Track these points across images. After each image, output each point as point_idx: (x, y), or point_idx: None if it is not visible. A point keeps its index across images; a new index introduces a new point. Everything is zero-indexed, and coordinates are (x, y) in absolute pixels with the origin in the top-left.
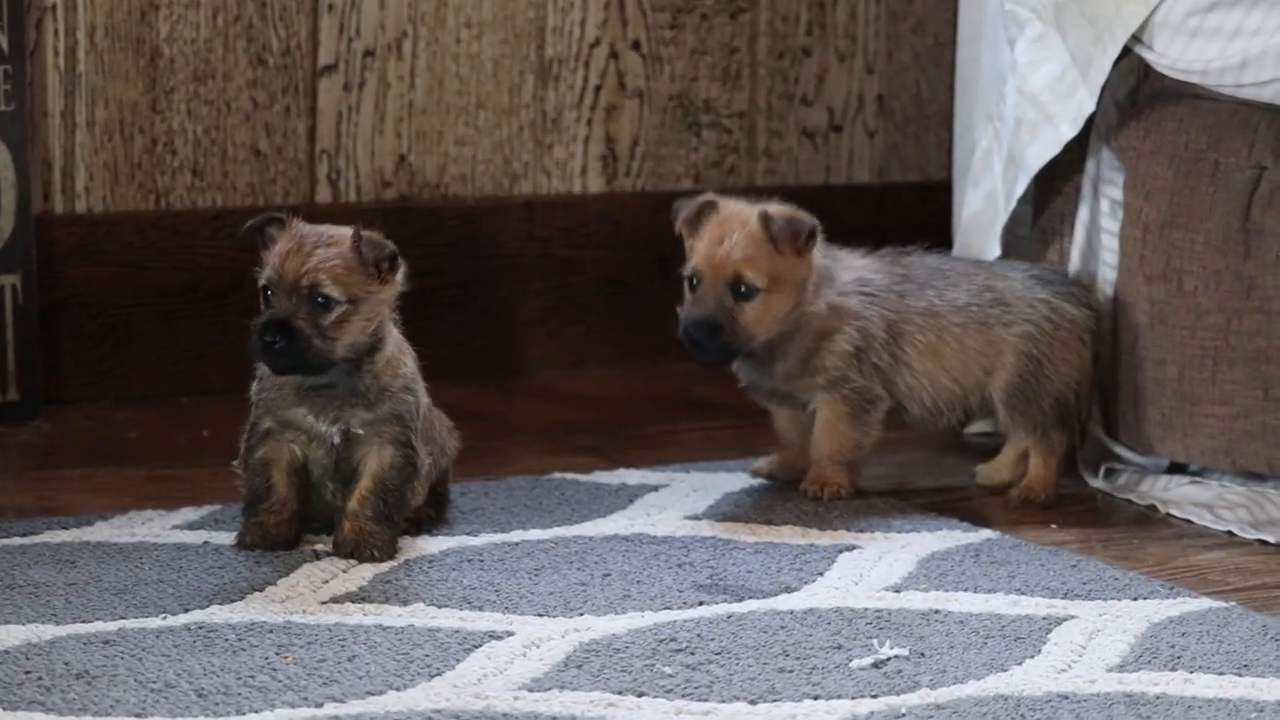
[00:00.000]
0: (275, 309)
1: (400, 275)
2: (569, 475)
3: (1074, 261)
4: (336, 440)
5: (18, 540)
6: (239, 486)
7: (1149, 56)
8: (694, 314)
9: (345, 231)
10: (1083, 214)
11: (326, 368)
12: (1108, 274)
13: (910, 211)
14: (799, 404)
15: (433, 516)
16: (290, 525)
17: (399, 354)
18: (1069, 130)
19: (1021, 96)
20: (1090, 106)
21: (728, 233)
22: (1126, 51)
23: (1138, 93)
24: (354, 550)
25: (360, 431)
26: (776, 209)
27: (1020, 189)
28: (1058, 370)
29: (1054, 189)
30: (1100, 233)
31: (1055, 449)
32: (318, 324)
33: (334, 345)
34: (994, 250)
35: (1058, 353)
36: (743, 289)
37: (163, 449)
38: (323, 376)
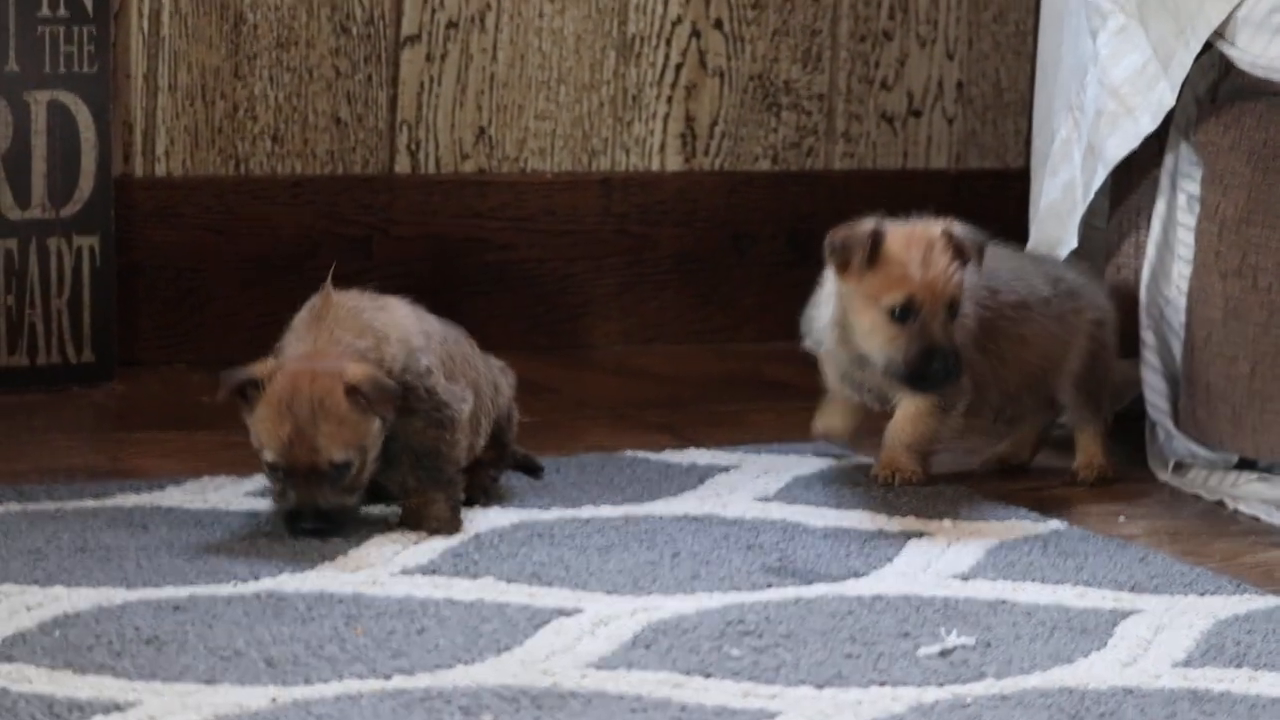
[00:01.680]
0: (301, 498)
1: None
2: (640, 453)
3: (1150, 255)
4: None
5: (90, 503)
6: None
7: (1231, 53)
8: (934, 344)
9: (335, 385)
10: (1159, 208)
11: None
12: (1183, 268)
13: (986, 198)
14: (888, 399)
15: (494, 462)
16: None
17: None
18: (1149, 124)
19: (1102, 88)
20: (1171, 100)
21: (929, 255)
22: (1208, 47)
23: (1218, 88)
24: (417, 523)
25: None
26: (948, 223)
27: (1099, 180)
28: (1112, 356)
29: (1131, 182)
30: (1176, 227)
31: (1108, 428)
32: (343, 489)
33: (359, 489)
34: (1071, 241)
35: (1112, 339)
36: (954, 308)
37: (235, 415)
38: None
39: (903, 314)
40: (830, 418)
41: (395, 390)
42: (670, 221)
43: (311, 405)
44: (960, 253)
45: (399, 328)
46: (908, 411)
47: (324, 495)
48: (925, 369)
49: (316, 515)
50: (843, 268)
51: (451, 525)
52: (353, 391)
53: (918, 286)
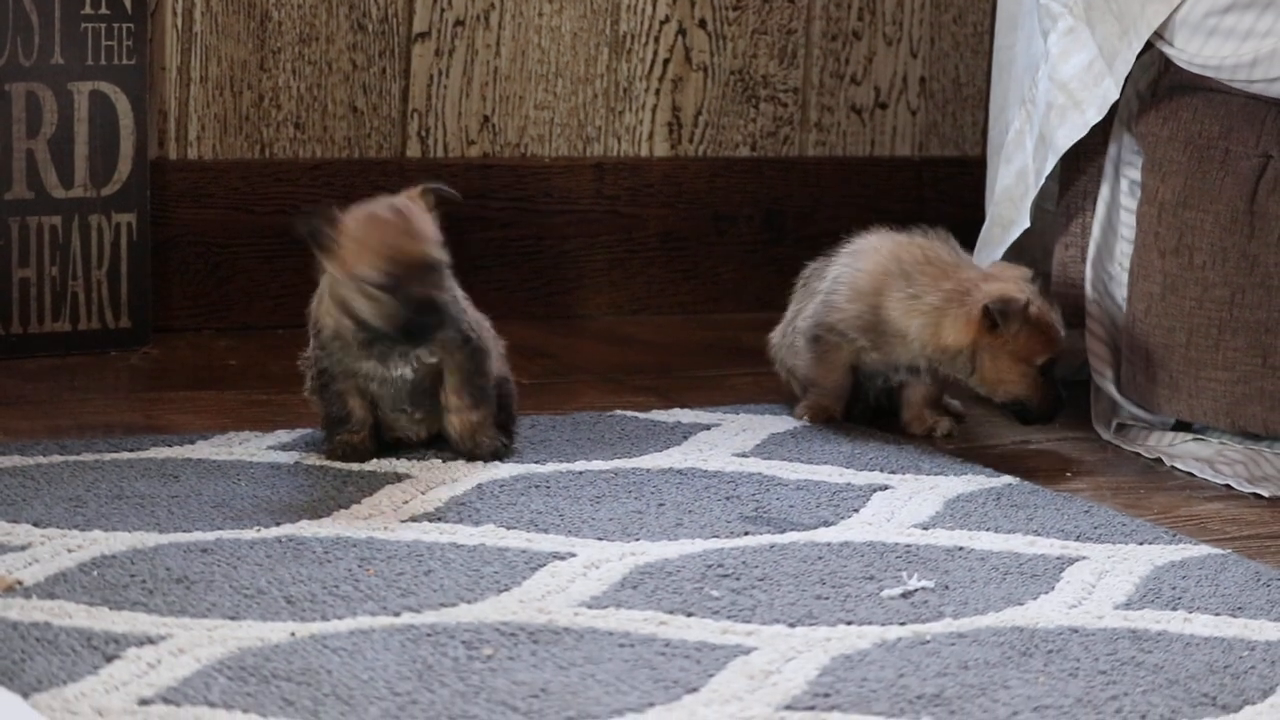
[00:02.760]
0: (420, 295)
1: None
2: (629, 413)
3: (1095, 235)
4: (410, 376)
5: (126, 455)
6: (315, 411)
7: (1169, 52)
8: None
9: (406, 196)
10: (1104, 192)
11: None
12: (1125, 248)
13: (946, 183)
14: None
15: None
16: (371, 440)
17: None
18: (1095, 115)
19: (1052, 83)
20: (1115, 95)
21: (1051, 319)
22: (1149, 46)
23: (1158, 84)
24: (473, 446)
25: (432, 360)
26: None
27: (1049, 167)
28: None
29: (1079, 168)
30: (1119, 210)
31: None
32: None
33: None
34: (1023, 222)
35: None
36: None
37: (260, 376)
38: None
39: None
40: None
41: (455, 195)
42: (657, 203)
43: (396, 213)
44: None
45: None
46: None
47: (439, 288)
48: (1054, 412)
49: (436, 308)
50: (993, 327)
51: (497, 441)
52: (426, 193)
53: (1056, 348)
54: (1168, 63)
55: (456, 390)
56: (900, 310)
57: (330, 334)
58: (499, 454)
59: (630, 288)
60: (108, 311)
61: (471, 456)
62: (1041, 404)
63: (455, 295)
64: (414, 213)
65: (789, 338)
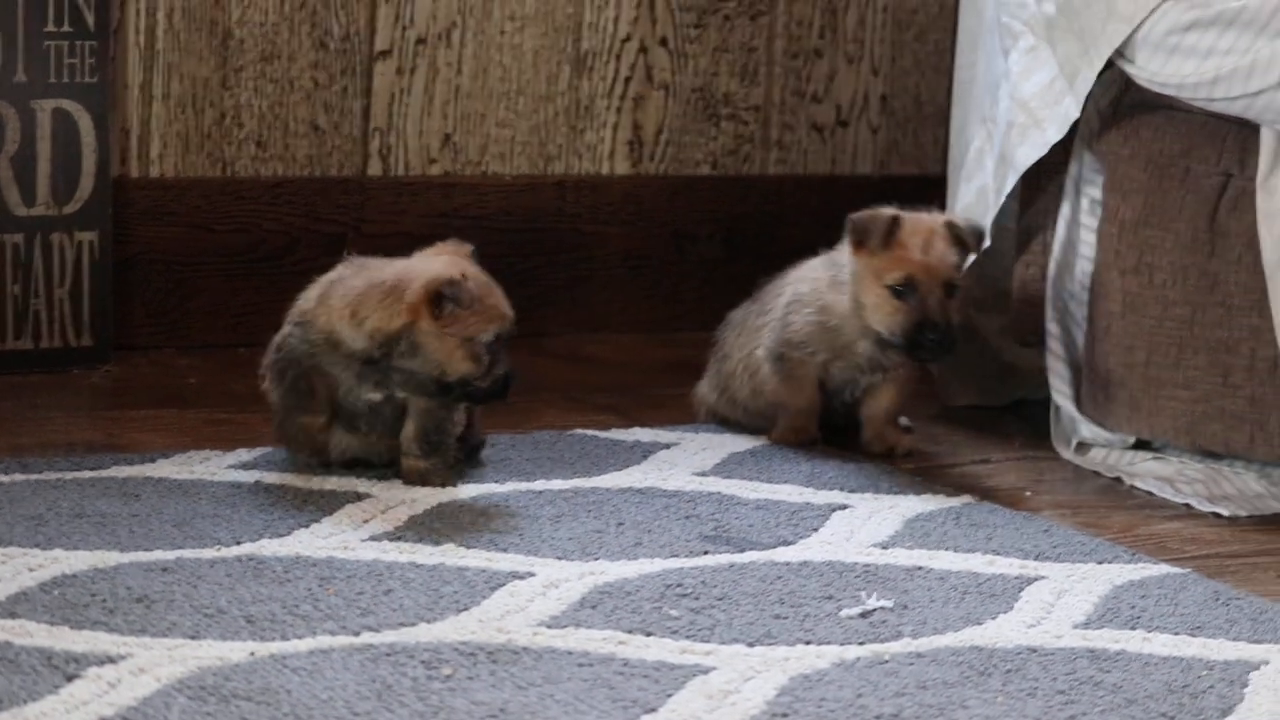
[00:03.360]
0: (507, 364)
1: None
2: (589, 431)
3: (1055, 253)
4: (376, 400)
5: (87, 473)
6: (265, 389)
7: (1130, 70)
8: (927, 318)
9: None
10: (1065, 210)
11: None
12: (1085, 266)
13: (907, 201)
14: (882, 377)
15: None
16: (326, 433)
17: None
18: (1055, 134)
19: (1013, 102)
20: (1075, 113)
21: (932, 241)
22: (1110, 64)
23: (1119, 102)
24: (422, 481)
25: (401, 395)
26: (954, 218)
27: (1009, 186)
28: None
29: (1039, 187)
30: (1080, 228)
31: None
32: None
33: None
34: (984, 241)
35: None
36: (952, 289)
37: (220, 395)
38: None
39: (899, 290)
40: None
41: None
42: (618, 221)
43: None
44: (960, 242)
45: None
46: (898, 389)
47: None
48: (919, 339)
49: (514, 373)
50: (858, 246)
51: (450, 481)
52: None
53: (918, 267)
54: (1129, 81)
55: (413, 437)
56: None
57: (321, 335)
58: (448, 485)
59: (591, 306)
60: (69, 329)
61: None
62: (904, 331)
63: None
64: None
65: (739, 376)
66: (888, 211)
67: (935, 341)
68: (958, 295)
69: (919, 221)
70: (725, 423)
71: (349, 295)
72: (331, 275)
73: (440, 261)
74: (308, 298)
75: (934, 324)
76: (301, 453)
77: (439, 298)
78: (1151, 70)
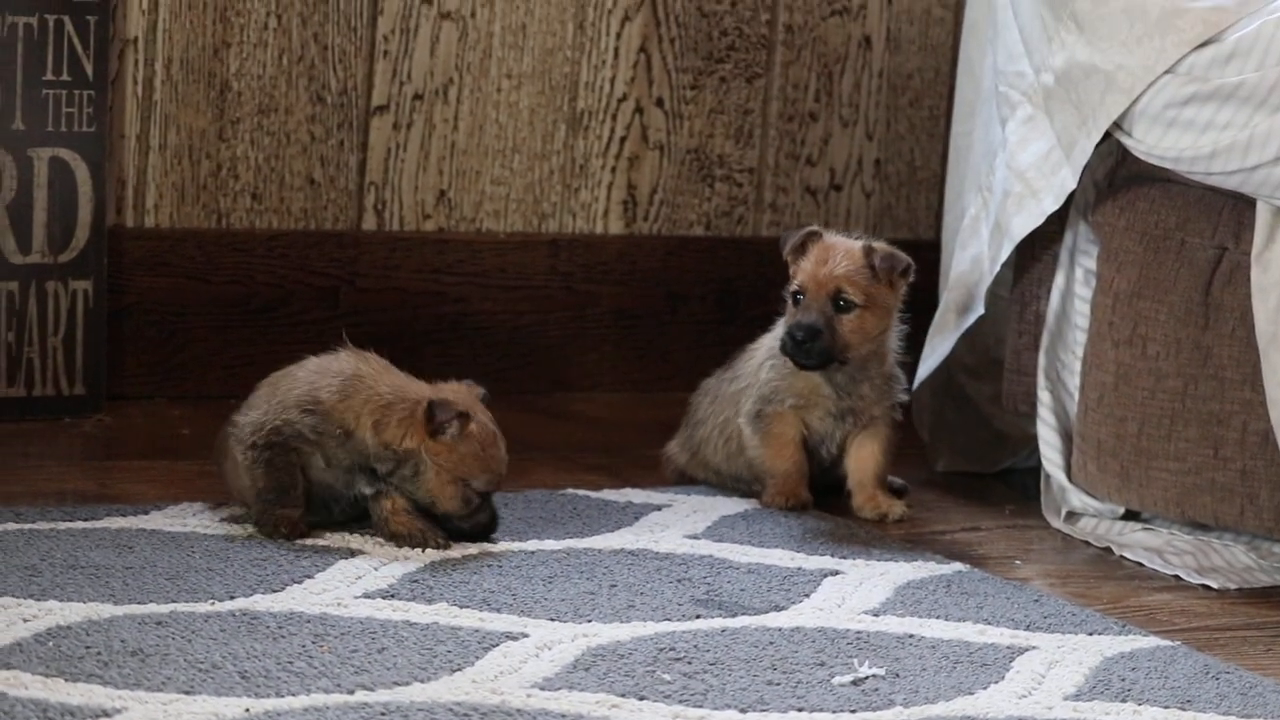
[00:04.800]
0: (492, 511)
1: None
2: (580, 491)
3: (1049, 323)
4: (369, 493)
5: (80, 524)
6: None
7: (1128, 142)
8: (800, 319)
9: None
10: (1059, 280)
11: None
12: (1079, 336)
13: None
14: (855, 424)
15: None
16: (305, 519)
17: None
18: (1051, 204)
19: (1010, 171)
20: (1072, 184)
21: (832, 255)
22: (1107, 136)
23: (1115, 174)
24: (421, 544)
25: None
26: (878, 244)
27: (1004, 255)
28: None
29: (1034, 256)
30: (1074, 298)
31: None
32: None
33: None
34: (978, 309)
35: None
36: (842, 302)
37: (213, 446)
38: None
39: (796, 299)
40: (796, 483)
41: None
42: (611, 280)
43: (495, 434)
44: (872, 268)
45: None
46: (881, 444)
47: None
48: (785, 339)
49: (496, 525)
50: (787, 255)
51: (446, 542)
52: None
53: (807, 276)
54: (1125, 153)
55: (410, 512)
56: None
57: (339, 429)
58: (425, 544)
59: (583, 365)
60: (62, 378)
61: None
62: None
63: None
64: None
65: (712, 441)
66: (809, 229)
67: (796, 343)
68: (854, 313)
69: (838, 242)
70: (693, 483)
71: (374, 402)
72: (347, 368)
73: (453, 391)
74: (325, 388)
75: (799, 325)
76: (286, 539)
77: (430, 413)
78: (1149, 143)
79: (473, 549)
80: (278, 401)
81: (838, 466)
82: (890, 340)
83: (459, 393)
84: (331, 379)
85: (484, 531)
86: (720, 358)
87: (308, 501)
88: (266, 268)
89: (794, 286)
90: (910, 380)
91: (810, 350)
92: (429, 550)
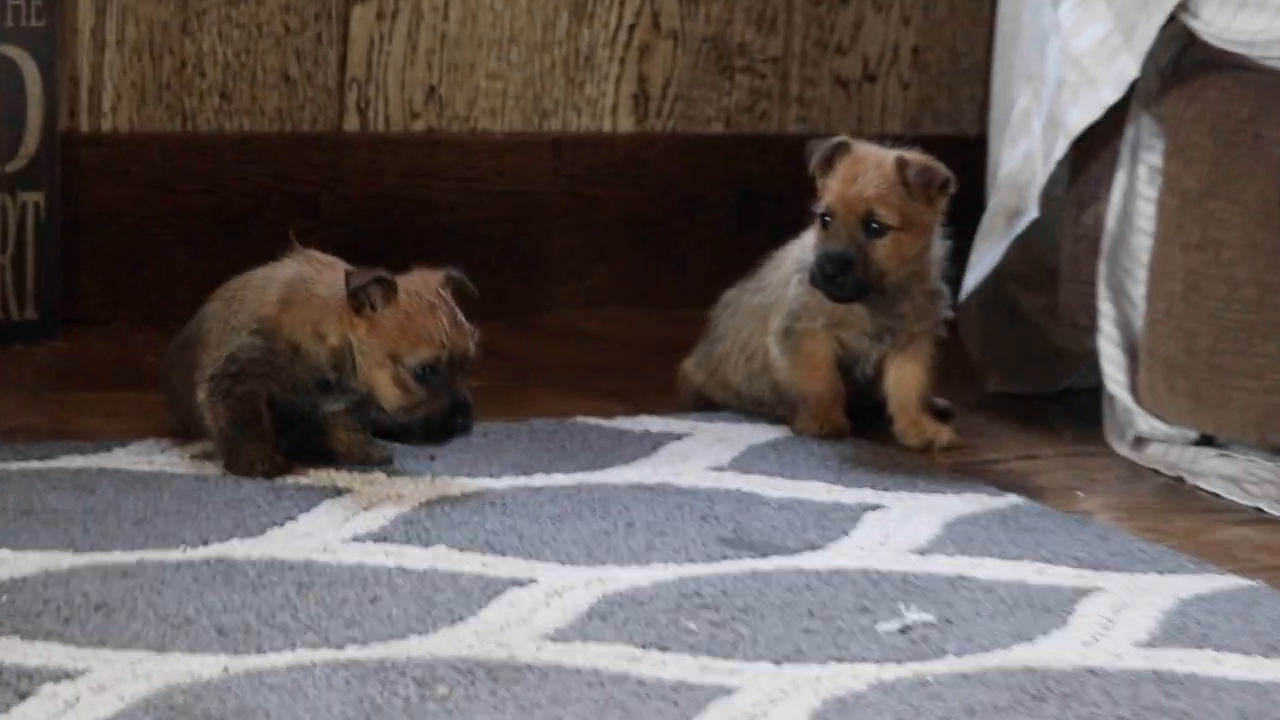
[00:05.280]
0: (457, 393)
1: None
2: (591, 420)
3: (1109, 227)
4: (339, 408)
5: (35, 464)
6: (200, 403)
7: (1195, 25)
8: (828, 248)
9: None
10: (1120, 179)
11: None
12: (1143, 241)
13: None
14: (894, 344)
15: None
16: (278, 452)
17: None
18: (1111, 95)
19: (1063, 58)
20: (1134, 72)
21: (861, 172)
22: (1172, 18)
23: (1181, 60)
24: (363, 459)
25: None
26: (913, 155)
27: (1060, 152)
28: None
29: (1092, 152)
30: (1137, 199)
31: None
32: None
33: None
34: (1032, 211)
35: None
36: (874, 225)
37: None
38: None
39: (825, 221)
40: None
41: (473, 289)
42: (621, 184)
43: (449, 300)
44: (906, 184)
45: None
46: (924, 363)
47: (468, 387)
48: (815, 272)
49: (471, 412)
50: (813, 170)
51: (388, 455)
52: (449, 281)
53: (835, 197)
54: (1192, 37)
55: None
56: None
57: (286, 345)
58: (386, 461)
59: (591, 278)
60: (11, 301)
61: (359, 465)
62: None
63: None
64: (454, 303)
65: (733, 359)
66: (837, 140)
67: (827, 276)
68: (888, 236)
69: (868, 154)
70: (710, 405)
71: (312, 304)
72: (288, 273)
73: (408, 279)
74: (265, 300)
75: (828, 256)
76: (256, 476)
77: (348, 280)
78: (1219, 25)
79: (471, 485)
80: (229, 325)
81: (875, 388)
82: (933, 255)
83: (415, 280)
84: (274, 289)
85: (438, 428)
86: (742, 268)
87: (277, 432)
88: (238, 174)
89: (822, 207)
90: (956, 294)
91: (843, 283)
92: (374, 470)
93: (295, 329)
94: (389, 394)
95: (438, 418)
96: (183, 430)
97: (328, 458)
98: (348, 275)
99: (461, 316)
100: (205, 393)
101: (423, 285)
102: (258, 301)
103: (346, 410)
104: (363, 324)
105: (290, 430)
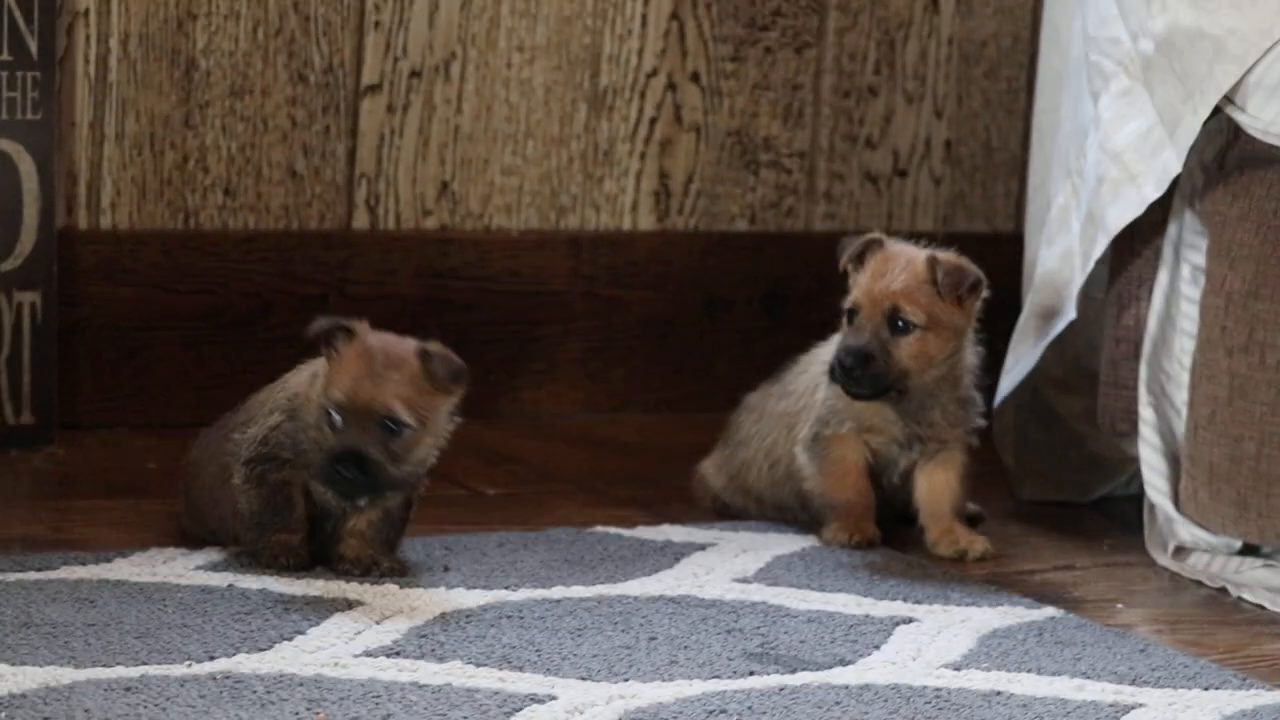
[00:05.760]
0: (348, 439)
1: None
2: (611, 529)
3: (1151, 328)
4: (363, 505)
5: (33, 575)
6: (235, 487)
7: (1241, 119)
8: (849, 343)
9: (413, 351)
10: (1162, 279)
11: (396, 487)
12: (1186, 343)
13: (975, 262)
14: (923, 452)
15: None
16: (308, 546)
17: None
18: (1153, 191)
19: (1104, 153)
20: (1176, 168)
21: (891, 269)
22: (1217, 111)
23: (1226, 156)
24: (367, 570)
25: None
26: (944, 255)
27: (1099, 250)
28: None
29: (1132, 251)
30: (1180, 299)
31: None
32: (391, 451)
33: (401, 467)
34: (1070, 312)
35: None
36: (900, 323)
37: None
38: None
39: (850, 317)
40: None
41: (465, 373)
42: (642, 284)
43: (389, 358)
44: (935, 282)
45: None
46: (955, 473)
47: (371, 443)
48: (833, 366)
49: (358, 461)
50: (844, 265)
51: (398, 569)
52: (426, 357)
53: (861, 292)
54: (1238, 131)
55: (371, 523)
56: None
57: (314, 423)
58: (394, 573)
59: (610, 382)
60: (7, 405)
61: (362, 575)
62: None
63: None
64: (407, 365)
65: (757, 465)
66: (870, 236)
67: (845, 370)
68: (914, 335)
69: (900, 252)
70: (727, 509)
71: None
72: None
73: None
74: (300, 377)
75: (848, 349)
76: (285, 568)
77: (311, 325)
78: (1266, 119)
79: (487, 597)
80: (266, 407)
81: (903, 496)
82: (965, 362)
83: (383, 338)
84: (313, 365)
85: (321, 470)
86: (767, 372)
87: (310, 523)
88: (242, 275)
89: (848, 302)
90: (989, 402)
91: (860, 378)
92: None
93: (312, 398)
94: (312, 433)
95: (323, 460)
96: (203, 533)
97: (336, 565)
98: (314, 320)
99: (394, 377)
100: (240, 477)
101: (381, 342)
102: (295, 377)
103: (370, 522)
104: (326, 370)
105: (317, 534)
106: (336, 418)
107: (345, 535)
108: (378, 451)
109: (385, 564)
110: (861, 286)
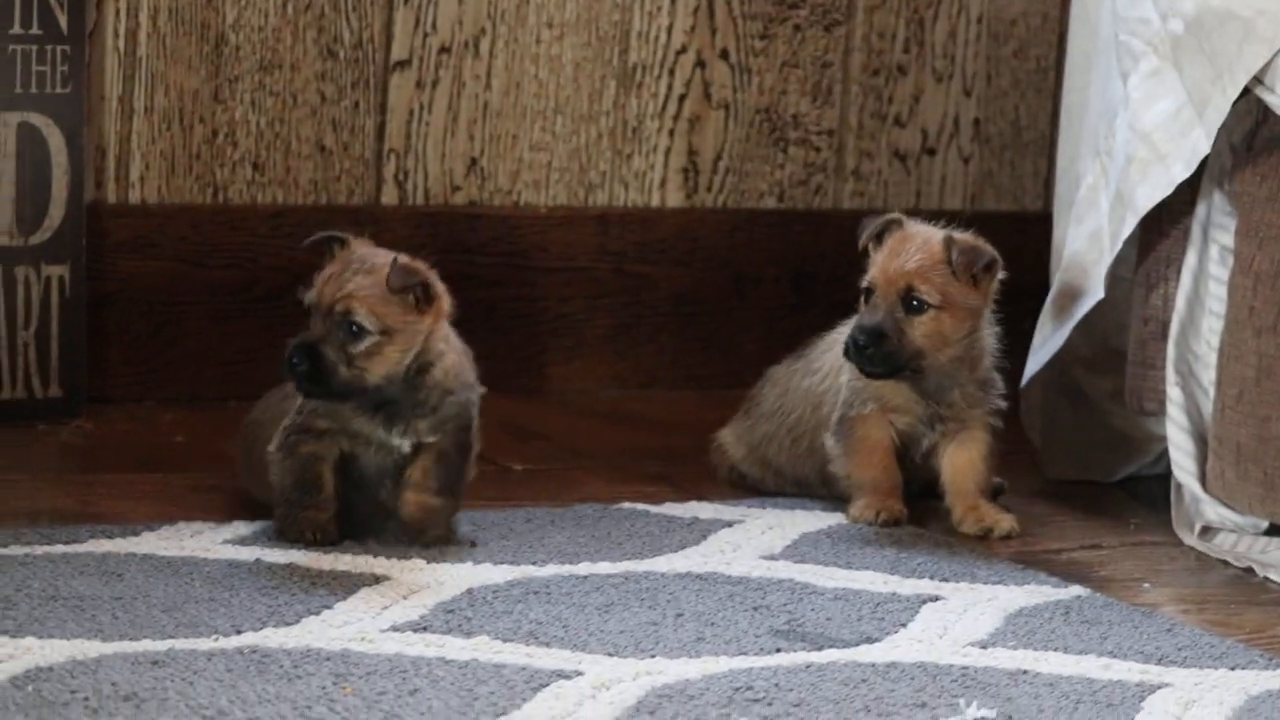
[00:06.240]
0: (305, 334)
1: (443, 305)
2: (638, 505)
3: (1179, 308)
4: (407, 450)
5: (60, 548)
6: (269, 460)
7: (1270, 99)
8: (863, 321)
9: (387, 259)
10: (1190, 259)
11: (355, 396)
12: (1214, 323)
13: (1002, 241)
14: (946, 432)
15: None
16: (336, 523)
17: (459, 360)
18: (1182, 171)
19: (1133, 133)
20: (1206, 148)
21: (907, 248)
22: (1246, 92)
23: (1255, 135)
24: (421, 528)
25: (430, 439)
26: (961, 235)
27: (1128, 230)
28: None
29: (1161, 231)
30: (1208, 280)
31: None
32: (347, 351)
33: (363, 375)
34: (1098, 292)
35: None
36: (914, 302)
37: (211, 456)
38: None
39: (867, 295)
40: (888, 495)
41: (430, 285)
42: (669, 261)
43: (363, 264)
44: (950, 262)
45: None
46: (980, 452)
47: (327, 339)
48: (848, 345)
49: (310, 354)
50: (864, 245)
51: (450, 532)
52: (395, 264)
53: (877, 271)
54: (1267, 112)
55: (426, 470)
56: None
57: None
58: (444, 543)
59: (638, 358)
60: (35, 379)
61: (415, 542)
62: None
63: (444, 355)
64: (378, 273)
65: (778, 439)
66: (889, 216)
67: (859, 348)
68: (928, 315)
69: (918, 232)
70: (743, 480)
71: None
72: None
73: None
74: None
75: (862, 328)
76: (313, 544)
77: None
78: None
79: (514, 572)
80: None
81: (926, 472)
82: (983, 343)
83: (373, 249)
84: None
85: (286, 365)
86: (795, 349)
87: (343, 509)
88: (270, 249)
89: (865, 281)
90: (1011, 383)
91: (874, 356)
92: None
93: None
94: None
95: (286, 357)
96: (257, 493)
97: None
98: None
99: (362, 282)
100: (275, 444)
101: (366, 251)
102: None
103: (425, 470)
104: None
105: (353, 513)
106: (304, 313)
107: (404, 489)
108: (333, 352)
109: (440, 526)
110: (878, 265)
